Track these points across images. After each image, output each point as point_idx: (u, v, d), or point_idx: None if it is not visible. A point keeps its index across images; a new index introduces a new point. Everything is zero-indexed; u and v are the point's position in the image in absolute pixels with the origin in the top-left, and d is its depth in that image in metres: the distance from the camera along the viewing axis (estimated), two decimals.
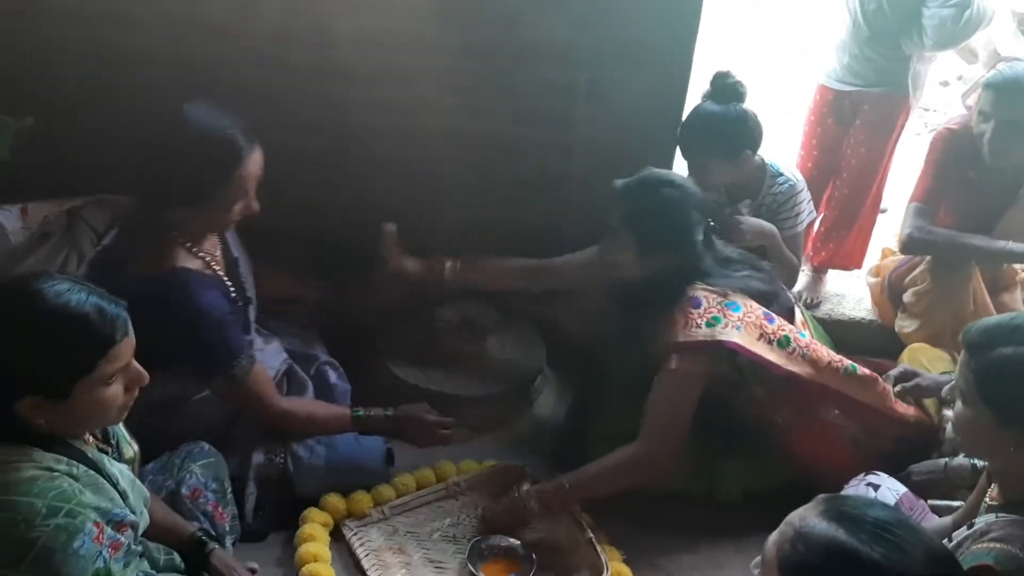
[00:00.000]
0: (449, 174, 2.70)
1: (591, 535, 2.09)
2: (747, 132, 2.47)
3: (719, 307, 2.07)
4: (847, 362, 2.15)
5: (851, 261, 3.12)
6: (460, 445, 2.40)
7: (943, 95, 5.13)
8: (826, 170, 3.02)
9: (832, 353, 2.17)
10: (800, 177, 2.67)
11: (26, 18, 2.54)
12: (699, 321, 2.05)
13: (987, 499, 1.67)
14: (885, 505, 1.15)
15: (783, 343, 2.09)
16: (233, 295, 2.04)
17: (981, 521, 1.56)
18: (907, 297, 2.62)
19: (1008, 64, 2.38)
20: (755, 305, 2.12)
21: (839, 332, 2.81)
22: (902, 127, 2.90)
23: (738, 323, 2.05)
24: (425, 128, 2.63)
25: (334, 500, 2.11)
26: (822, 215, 3.10)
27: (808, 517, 1.17)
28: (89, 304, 1.36)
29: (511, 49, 2.49)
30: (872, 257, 3.12)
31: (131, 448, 1.67)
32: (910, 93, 2.82)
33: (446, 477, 2.28)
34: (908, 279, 2.67)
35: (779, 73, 5.20)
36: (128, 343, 1.42)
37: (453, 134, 2.64)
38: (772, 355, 2.07)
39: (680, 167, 2.79)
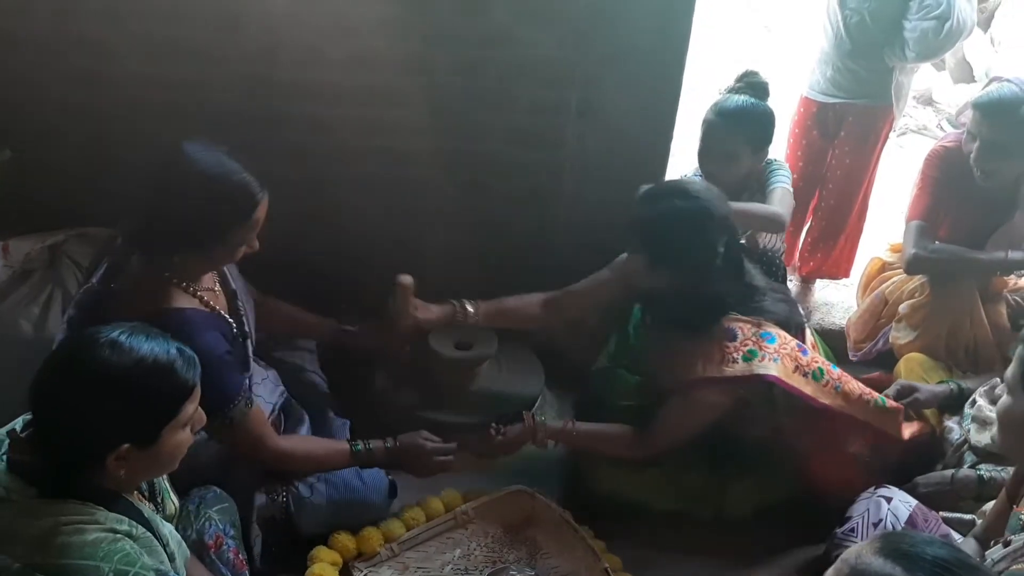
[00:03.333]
0: (439, 194, 2.67)
1: (606, 564, 2.07)
2: (773, 128, 2.49)
3: (755, 339, 2.06)
4: (876, 395, 2.17)
5: (839, 271, 3.15)
6: (464, 473, 2.33)
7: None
8: (812, 181, 3.05)
9: (862, 386, 2.18)
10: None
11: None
12: (735, 356, 2.03)
13: (1021, 516, 1.66)
14: (944, 543, 1.13)
15: (817, 376, 2.09)
16: (234, 332, 1.97)
17: (1020, 540, 1.56)
18: (903, 308, 2.64)
19: (997, 84, 2.39)
20: (788, 336, 2.11)
21: (828, 342, 2.82)
22: (886, 137, 2.94)
23: (775, 355, 2.04)
24: (414, 148, 2.60)
25: (343, 539, 2.05)
26: (808, 225, 3.12)
27: (865, 555, 1.14)
28: (173, 350, 1.41)
29: (502, 68, 2.47)
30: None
31: (173, 503, 1.62)
32: (893, 104, 2.85)
33: (453, 506, 2.23)
34: (907, 290, 2.69)
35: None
36: (198, 386, 1.46)
37: (443, 154, 2.61)
38: (808, 388, 2.07)
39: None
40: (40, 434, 1.36)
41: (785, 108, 2.90)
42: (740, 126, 2.44)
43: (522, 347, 2.67)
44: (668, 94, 2.52)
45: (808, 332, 2.36)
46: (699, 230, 2.04)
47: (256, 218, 1.83)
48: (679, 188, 2.11)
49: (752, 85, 2.50)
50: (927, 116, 5.42)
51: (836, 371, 2.15)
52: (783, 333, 2.10)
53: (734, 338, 2.05)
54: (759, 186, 2.52)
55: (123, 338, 1.36)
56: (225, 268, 2.06)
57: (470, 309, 2.33)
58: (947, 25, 2.64)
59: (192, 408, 1.44)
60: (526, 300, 2.41)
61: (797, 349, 2.10)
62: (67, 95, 2.50)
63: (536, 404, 2.58)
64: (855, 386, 2.15)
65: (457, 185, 2.65)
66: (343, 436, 2.25)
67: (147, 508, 1.50)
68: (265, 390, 2.21)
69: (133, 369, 1.35)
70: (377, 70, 2.46)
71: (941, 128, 5.20)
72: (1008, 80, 2.39)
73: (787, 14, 6.32)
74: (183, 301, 1.85)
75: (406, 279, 2.26)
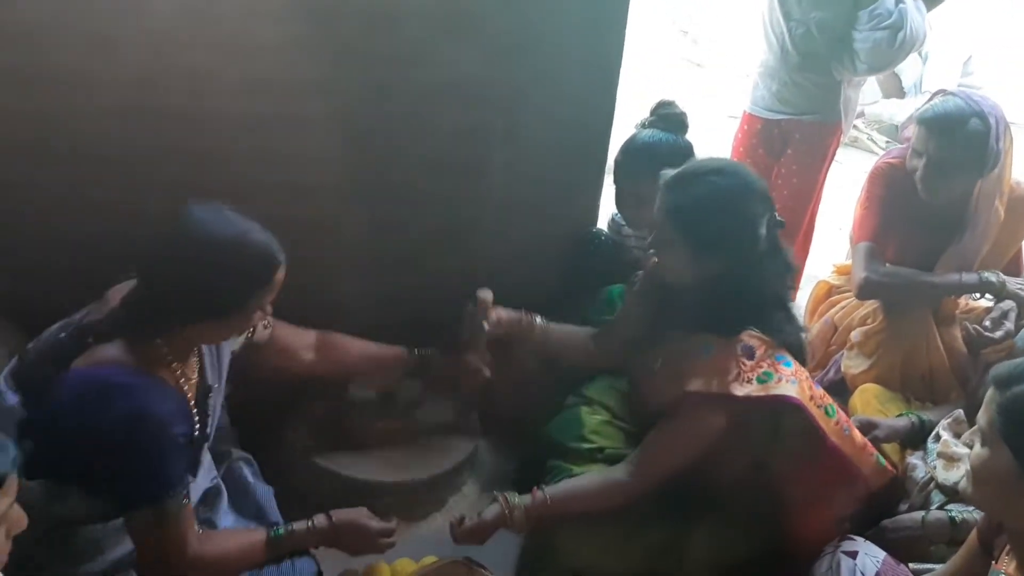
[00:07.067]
0: (348, 232, 2.44)
1: None
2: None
3: (770, 360, 1.83)
4: (875, 451, 1.98)
5: None
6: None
7: None
8: None
9: (863, 437, 1.98)
10: None
11: None
12: (750, 376, 1.81)
13: (1002, 572, 1.53)
14: None
15: (829, 412, 1.88)
16: (195, 431, 1.72)
17: None
18: (855, 336, 2.50)
19: (942, 98, 2.26)
20: (800, 365, 1.90)
21: None
22: (834, 154, 2.86)
23: (791, 377, 1.83)
24: (320, 182, 2.36)
25: None
26: None
27: None
28: None
29: (417, 90, 2.27)
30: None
31: None
32: (842, 119, 2.76)
33: None
34: (858, 316, 2.54)
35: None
36: (14, 479, 1.19)
37: (352, 187, 2.38)
38: (822, 422, 1.86)
39: (604, 211, 2.64)
40: None
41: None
42: (646, 165, 2.23)
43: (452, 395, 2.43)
44: (601, 114, 2.37)
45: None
46: (742, 207, 1.83)
47: (278, 280, 1.69)
48: (712, 166, 1.90)
49: (664, 118, 2.33)
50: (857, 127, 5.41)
51: (843, 413, 1.96)
52: (796, 360, 1.89)
53: (751, 355, 1.83)
54: None
55: None
56: (207, 361, 1.82)
57: (538, 321, 2.20)
58: (900, 35, 2.57)
59: (6, 504, 1.17)
60: (570, 329, 2.25)
61: (810, 380, 1.90)
62: None
63: (469, 456, 2.36)
64: (859, 434, 1.95)
65: (369, 221, 2.42)
66: (268, 505, 1.99)
67: None
68: (200, 474, 1.92)
69: None
70: (276, 95, 2.22)
71: (872, 140, 5.17)
72: (952, 93, 2.27)
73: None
74: (162, 372, 1.64)
75: (487, 294, 2.17)
